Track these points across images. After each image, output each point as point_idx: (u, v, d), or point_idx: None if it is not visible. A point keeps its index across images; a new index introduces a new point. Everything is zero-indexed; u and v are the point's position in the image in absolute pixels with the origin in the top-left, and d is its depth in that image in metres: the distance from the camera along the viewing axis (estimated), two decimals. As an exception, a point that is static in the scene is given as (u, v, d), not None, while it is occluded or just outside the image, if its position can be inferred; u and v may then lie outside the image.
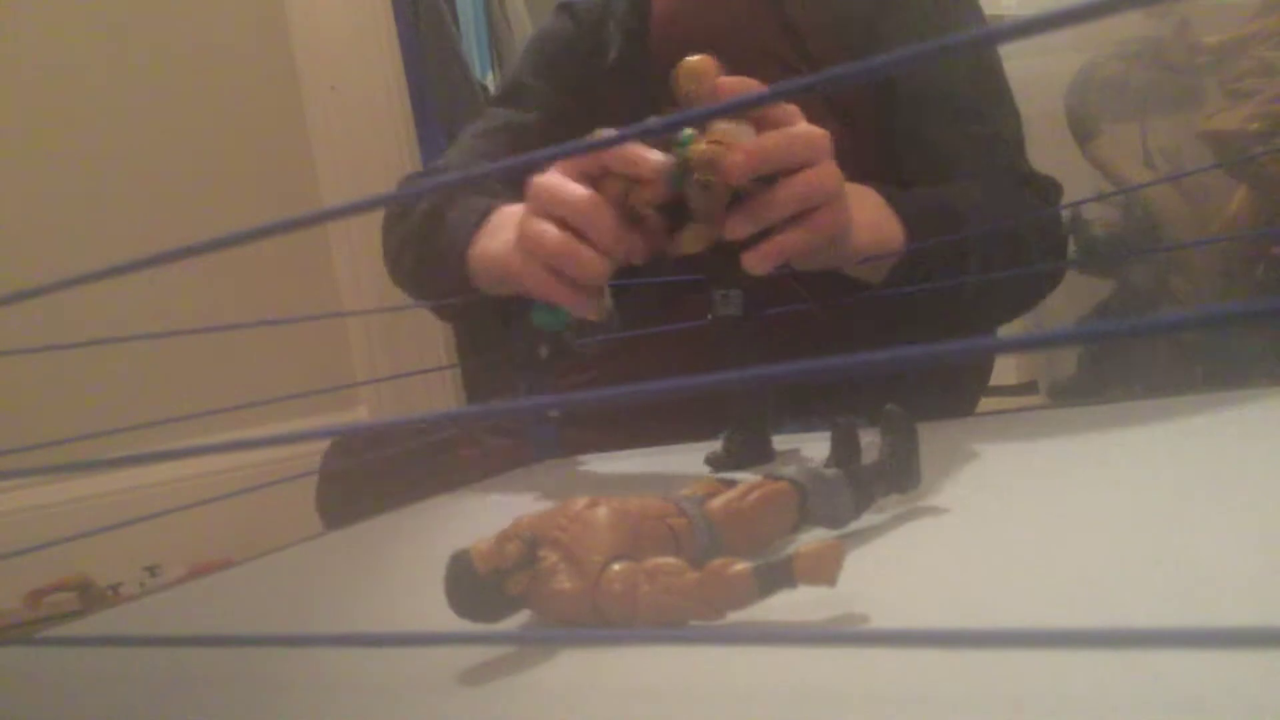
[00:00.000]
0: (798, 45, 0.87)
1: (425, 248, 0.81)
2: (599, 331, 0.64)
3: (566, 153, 0.50)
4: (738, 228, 0.55)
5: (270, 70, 2.08)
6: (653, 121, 0.25)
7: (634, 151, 0.55)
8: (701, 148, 0.54)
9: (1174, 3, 1.22)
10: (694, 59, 0.55)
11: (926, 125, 0.85)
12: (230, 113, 2.04)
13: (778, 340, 0.61)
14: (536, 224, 0.59)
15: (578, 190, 0.57)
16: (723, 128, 0.55)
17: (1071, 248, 1.35)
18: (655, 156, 0.55)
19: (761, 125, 0.56)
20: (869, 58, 0.19)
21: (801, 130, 0.57)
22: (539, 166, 0.60)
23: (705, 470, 0.63)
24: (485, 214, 0.75)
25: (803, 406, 0.72)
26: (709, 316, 0.61)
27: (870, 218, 0.66)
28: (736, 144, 0.54)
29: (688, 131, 0.55)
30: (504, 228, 0.70)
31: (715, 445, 0.67)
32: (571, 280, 0.58)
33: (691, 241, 0.57)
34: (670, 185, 0.55)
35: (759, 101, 0.53)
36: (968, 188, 0.77)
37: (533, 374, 0.73)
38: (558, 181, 0.58)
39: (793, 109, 0.58)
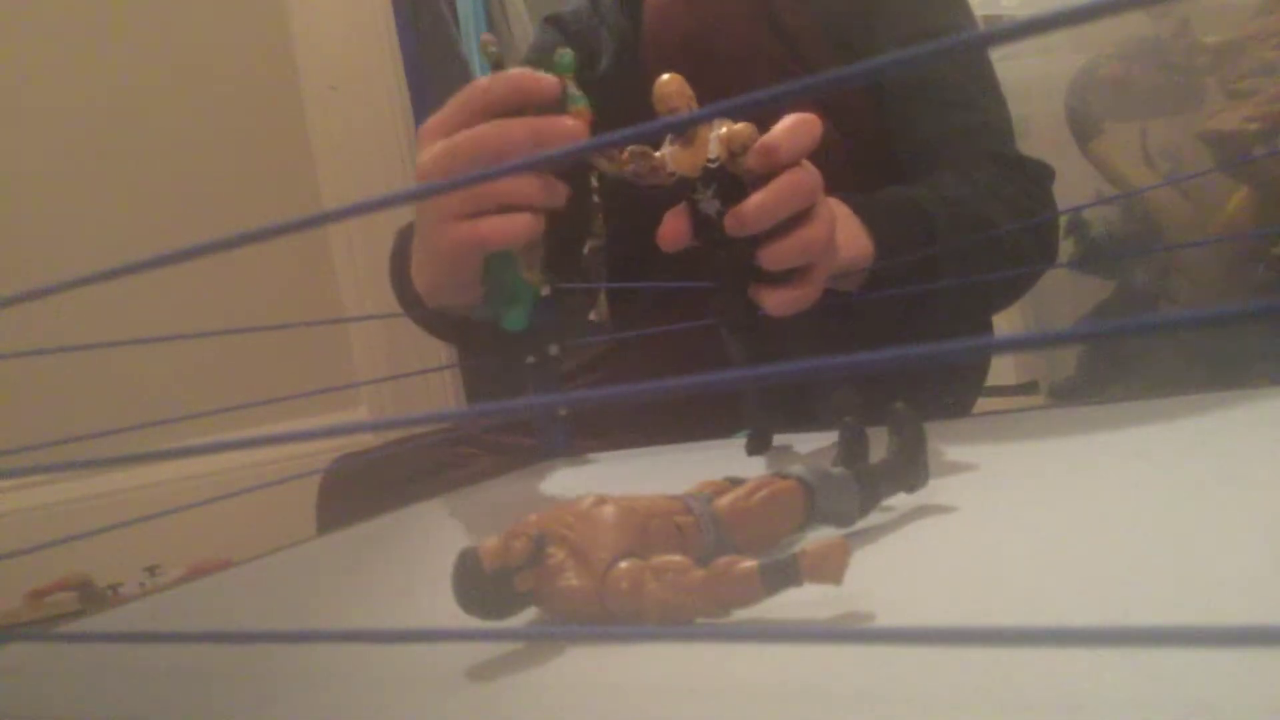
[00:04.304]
0: (788, 45, 0.87)
1: (400, 292, 0.80)
2: (598, 332, 0.64)
3: (561, 156, 0.50)
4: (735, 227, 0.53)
5: (270, 70, 2.09)
6: (676, 118, 0.26)
7: (520, 79, 0.55)
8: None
9: (1174, 3, 1.22)
10: (664, 78, 0.54)
11: (916, 118, 0.84)
12: (230, 113, 2.05)
13: (767, 350, 0.61)
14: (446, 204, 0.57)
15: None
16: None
17: (1072, 248, 1.35)
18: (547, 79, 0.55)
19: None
20: (860, 58, 0.19)
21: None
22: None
23: (711, 469, 0.63)
24: (407, 239, 0.70)
25: (800, 408, 0.72)
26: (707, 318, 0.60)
27: (843, 234, 0.64)
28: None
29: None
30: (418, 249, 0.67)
31: (717, 444, 0.68)
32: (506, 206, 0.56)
33: (679, 159, 0.56)
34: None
35: (747, 104, 0.52)
36: (940, 180, 0.76)
37: (540, 374, 0.73)
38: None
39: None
